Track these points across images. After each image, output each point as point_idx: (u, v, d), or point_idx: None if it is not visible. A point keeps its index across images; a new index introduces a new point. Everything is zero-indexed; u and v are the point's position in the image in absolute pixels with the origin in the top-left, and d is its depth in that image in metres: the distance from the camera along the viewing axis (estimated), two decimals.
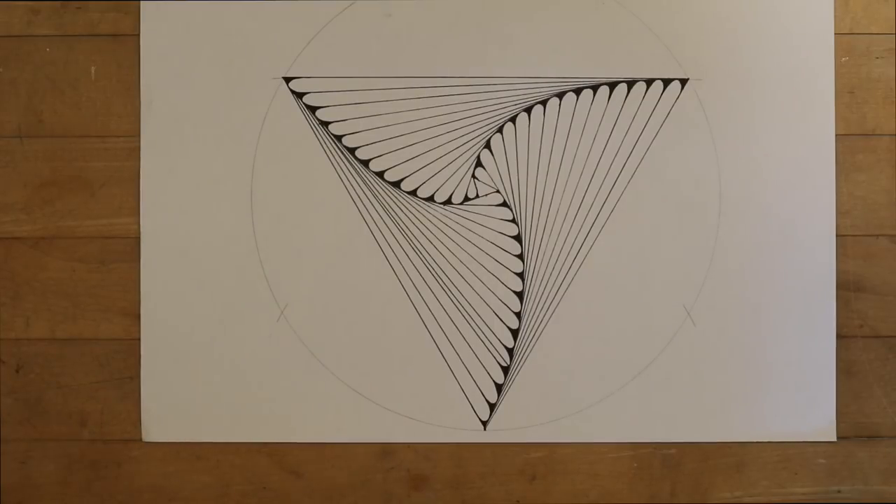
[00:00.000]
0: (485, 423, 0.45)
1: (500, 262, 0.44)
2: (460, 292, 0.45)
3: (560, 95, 0.44)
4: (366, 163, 0.45)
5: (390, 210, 0.45)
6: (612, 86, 0.44)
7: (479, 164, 0.45)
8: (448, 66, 0.44)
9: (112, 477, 0.45)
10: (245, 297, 0.44)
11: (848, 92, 0.44)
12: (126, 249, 0.45)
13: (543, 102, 0.44)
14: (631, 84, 0.44)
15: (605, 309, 0.44)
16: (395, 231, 0.45)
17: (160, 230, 0.45)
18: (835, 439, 0.44)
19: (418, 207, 0.45)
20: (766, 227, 0.44)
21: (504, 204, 0.45)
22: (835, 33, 0.44)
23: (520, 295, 0.44)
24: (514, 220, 0.45)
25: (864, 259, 0.44)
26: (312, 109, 0.45)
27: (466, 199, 0.45)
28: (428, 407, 0.44)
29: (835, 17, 0.44)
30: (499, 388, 0.45)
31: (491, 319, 0.43)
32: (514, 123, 0.44)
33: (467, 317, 0.45)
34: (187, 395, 0.44)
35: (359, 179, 0.45)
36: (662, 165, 0.44)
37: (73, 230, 0.45)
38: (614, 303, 0.44)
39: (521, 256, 0.44)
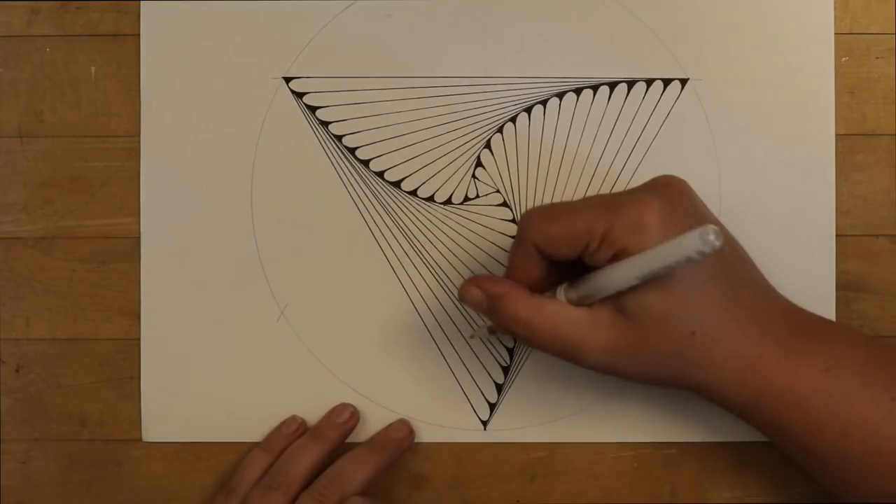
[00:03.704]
0: (485, 423, 0.45)
1: (501, 262, 0.44)
2: None
3: (560, 95, 0.44)
4: (366, 163, 0.45)
5: (390, 210, 0.45)
6: (612, 86, 0.44)
7: (479, 164, 0.45)
8: (448, 66, 0.44)
9: (112, 477, 0.45)
10: (245, 297, 0.44)
11: (848, 92, 0.44)
12: (126, 249, 0.45)
13: (543, 102, 0.44)
14: (631, 84, 0.44)
15: None
16: (395, 231, 0.45)
17: (160, 230, 0.45)
18: None
19: (418, 207, 0.45)
20: (766, 227, 0.44)
21: (504, 204, 0.45)
22: (835, 33, 0.44)
23: None
24: (514, 221, 0.45)
25: (864, 259, 0.44)
26: (312, 109, 0.45)
27: (466, 199, 0.45)
28: (428, 407, 0.44)
29: (835, 17, 0.44)
30: (499, 388, 0.45)
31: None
32: (515, 123, 0.44)
33: (467, 317, 0.45)
34: (187, 395, 0.44)
35: (359, 179, 0.45)
36: (662, 165, 0.44)
37: (73, 230, 0.45)
38: None
39: None
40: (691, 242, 0.29)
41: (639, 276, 0.33)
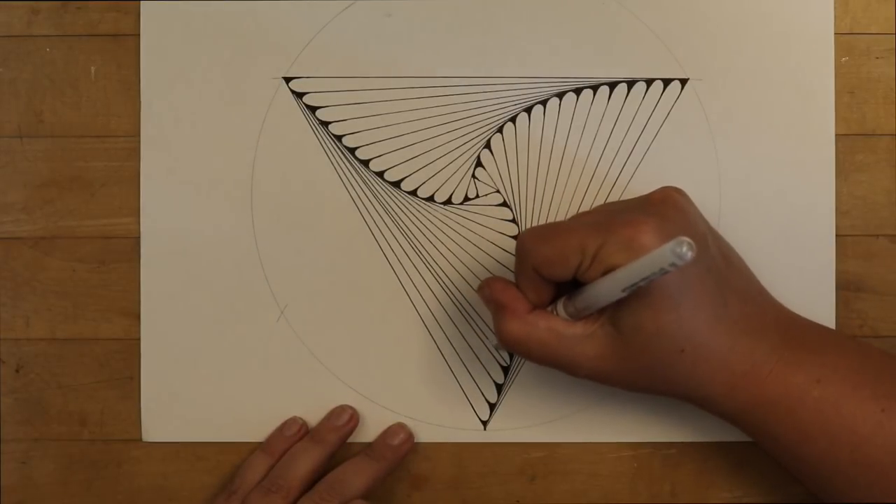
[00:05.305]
0: (485, 423, 0.45)
1: (500, 262, 0.44)
2: (460, 292, 0.45)
3: (560, 95, 0.44)
4: (366, 163, 0.45)
5: (390, 210, 0.45)
6: (612, 86, 0.44)
7: (479, 164, 0.45)
8: (448, 66, 0.44)
9: (112, 477, 0.45)
10: (245, 297, 0.44)
11: (848, 92, 0.44)
12: (126, 249, 0.45)
13: (543, 102, 0.44)
14: (631, 84, 0.44)
15: None
16: (395, 231, 0.45)
17: (160, 230, 0.45)
18: None
19: (418, 207, 0.45)
20: (766, 227, 0.44)
21: (504, 204, 0.45)
22: (835, 33, 0.44)
23: None
24: (514, 220, 0.45)
25: (864, 259, 0.44)
26: (312, 109, 0.45)
27: (466, 199, 0.45)
28: (428, 407, 0.44)
29: (835, 17, 0.44)
30: (499, 388, 0.45)
31: (491, 319, 0.42)
32: (514, 123, 0.44)
33: (467, 317, 0.45)
34: (187, 395, 0.44)
35: (359, 179, 0.45)
36: (662, 165, 0.44)
37: (73, 230, 0.45)
38: None
39: None
40: (664, 255, 0.30)
41: (623, 287, 0.33)
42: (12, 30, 0.45)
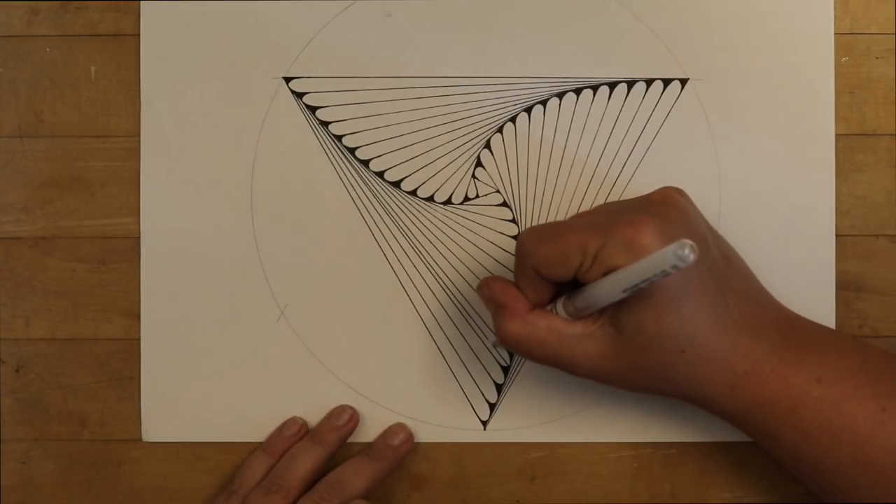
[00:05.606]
0: (485, 423, 0.45)
1: (500, 262, 0.44)
2: (460, 292, 0.45)
3: (560, 95, 0.44)
4: (366, 163, 0.45)
5: (390, 210, 0.45)
6: (612, 86, 0.44)
7: (479, 164, 0.45)
8: (448, 66, 0.44)
9: (112, 477, 0.45)
10: (245, 297, 0.44)
11: (848, 92, 0.44)
12: (126, 249, 0.45)
13: (543, 102, 0.44)
14: (631, 84, 0.44)
15: None
16: (395, 231, 0.45)
17: (160, 230, 0.45)
18: None
19: (418, 207, 0.45)
20: (766, 227, 0.44)
21: (504, 204, 0.45)
22: (835, 33, 0.44)
23: None
24: (514, 220, 0.45)
25: (864, 259, 0.44)
26: (312, 109, 0.45)
27: (466, 199, 0.45)
28: (428, 407, 0.44)
29: (835, 17, 0.44)
30: (499, 388, 0.45)
31: (491, 319, 0.42)
32: (514, 123, 0.44)
33: (467, 317, 0.45)
34: (187, 395, 0.44)
35: (359, 179, 0.45)
36: (662, 165, 0.44)
37: (73, 230, 0.45)
38: None
39: None
40: (666, 257, 0.30)
41: (624, 288, 0.33)
42: (12, 30, 0.45)
